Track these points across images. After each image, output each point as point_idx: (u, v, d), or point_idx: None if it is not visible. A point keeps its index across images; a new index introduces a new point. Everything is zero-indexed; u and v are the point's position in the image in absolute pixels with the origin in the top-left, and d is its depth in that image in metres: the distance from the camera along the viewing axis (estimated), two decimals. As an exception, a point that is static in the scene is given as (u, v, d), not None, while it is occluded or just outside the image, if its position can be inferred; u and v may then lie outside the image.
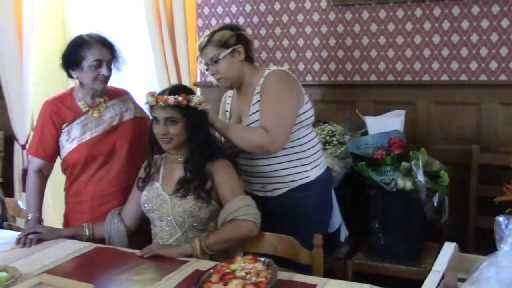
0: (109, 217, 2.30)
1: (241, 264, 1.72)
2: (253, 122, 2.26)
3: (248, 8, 3.42)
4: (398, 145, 2.50)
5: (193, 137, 2.10)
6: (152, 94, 2.09)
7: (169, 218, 2.12)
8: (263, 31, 3.40)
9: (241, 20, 3.45)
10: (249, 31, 3.42)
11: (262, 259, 1.77)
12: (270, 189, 2.32)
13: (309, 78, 3.32)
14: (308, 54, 3.31)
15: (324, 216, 2.41)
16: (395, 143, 2.52)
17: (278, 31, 3.37)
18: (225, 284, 1.59)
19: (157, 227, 2.18)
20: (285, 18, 3.33)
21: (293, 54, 3.35)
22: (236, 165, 2.20)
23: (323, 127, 2.92)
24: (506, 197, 2.34)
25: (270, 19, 3.37)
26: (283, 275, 1.75)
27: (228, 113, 2.46)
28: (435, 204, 2.47)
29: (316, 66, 3.29)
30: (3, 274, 1.70)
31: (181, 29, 3.45)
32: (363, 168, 2.52)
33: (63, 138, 2.42)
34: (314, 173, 2.32)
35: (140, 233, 2.33)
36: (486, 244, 1.86)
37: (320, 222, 2.36)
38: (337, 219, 2.63)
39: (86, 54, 2.34)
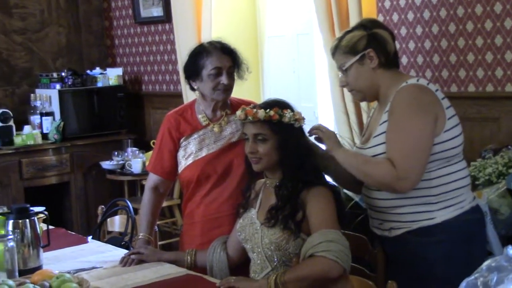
0: (213, 245, 2.80)
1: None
2: (376, 146, 2.51)
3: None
4: None
5: (284, 158, 2.49)
6: (243, 108, 2.55)
7: (259, 250, 2.54)
8: (452, 27, 3.60)
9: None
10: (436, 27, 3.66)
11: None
12: (387, 228, 2.56)
13: (509, 88, 3.39)
14: (509, 56, 3.39)
15: (455, 273, 2.37)
16: None
17: (470, 26, 3.53)
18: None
19: (251, 260, 2.63)
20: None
21: (488, 57, 3.47)
22: (339, 197, 2.52)
23: (503, 154, 3.00)
24: None
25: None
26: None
27: (365, 128, 2.77)
28: None
29: (520, 69, 3.36)
30: (74, 285, 2.36)
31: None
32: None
33: (180, 153, 3.02)
34: (442, 215, 2.46)
35: (246, 265, 2.80)
36: None
37: (448, 280, 2.40)
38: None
39: (205, 62, 2.89)
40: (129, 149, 5.60)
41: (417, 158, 2.40)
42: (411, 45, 3.84)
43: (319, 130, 2.62)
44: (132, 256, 2.86)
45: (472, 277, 1.32)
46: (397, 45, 3.83)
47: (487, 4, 3.45)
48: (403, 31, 3.87)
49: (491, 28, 3.46)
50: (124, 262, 2.85)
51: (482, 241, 2.63)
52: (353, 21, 3.74)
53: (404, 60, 3.83)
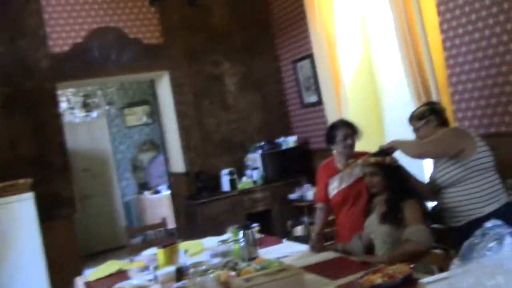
0: (353, 238, 3.32)
1: (395, 267, 2.53)
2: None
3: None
4: None
5: (389, 184, 3.00)
6: (364, 158, 3.13)
7: (379, 237, 3.03)
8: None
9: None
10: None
11: (413, 265, 2.53)
12: (454, 221, 2.96)
13: None
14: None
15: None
16: None
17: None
18: (373, 275, 2.47)
19: (375, 245, 3.11)
20: None
21: None
22: (422, 203, 2.95)
23: None
24: None
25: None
26: (423, 275, 2.45)
27: None
28: None
29: None
30: (276, 264, 2.95)
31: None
32: None
33: (329, 187, 3.62)
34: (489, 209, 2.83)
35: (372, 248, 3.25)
36: None
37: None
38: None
39: (337, 132, 3.52)
40: (305, 185, 6.16)
41: (439, 146, 2.96)
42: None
43: (384, 146, 3.09)
44: (311, 248, 3.42)
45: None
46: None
47: None
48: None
49: None
50: (312, 249, 3.40)
51: None
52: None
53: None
